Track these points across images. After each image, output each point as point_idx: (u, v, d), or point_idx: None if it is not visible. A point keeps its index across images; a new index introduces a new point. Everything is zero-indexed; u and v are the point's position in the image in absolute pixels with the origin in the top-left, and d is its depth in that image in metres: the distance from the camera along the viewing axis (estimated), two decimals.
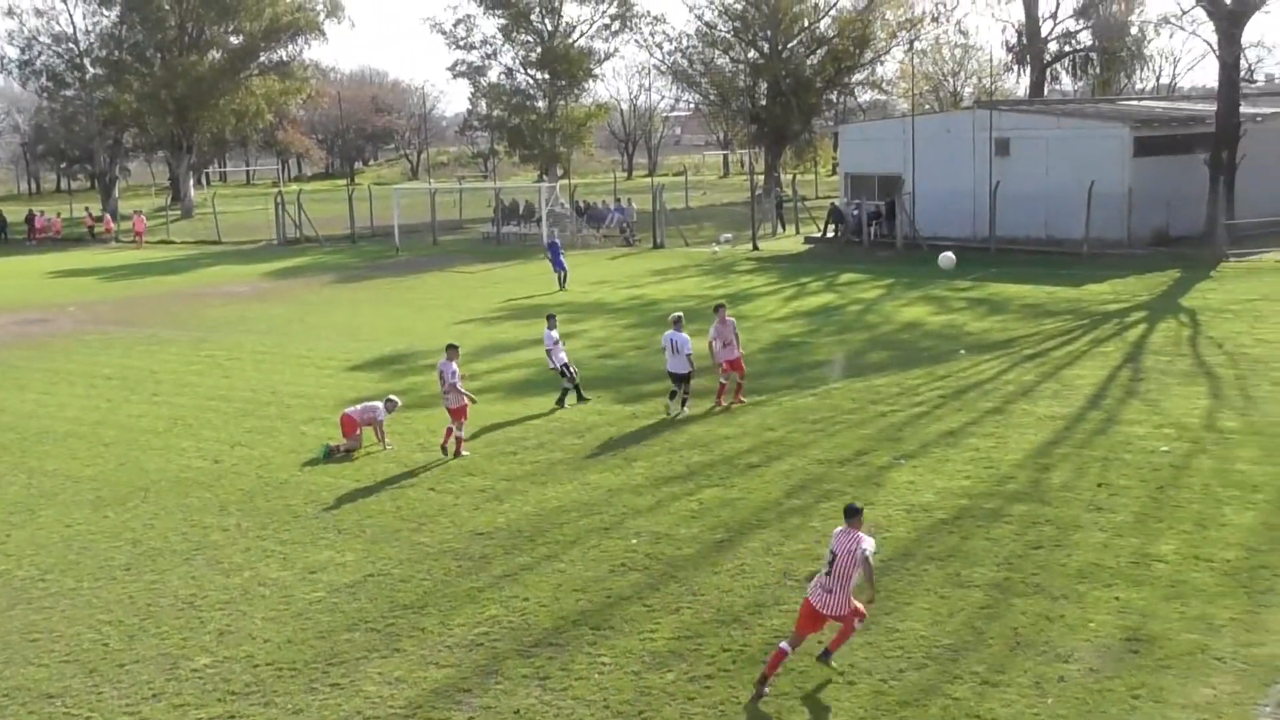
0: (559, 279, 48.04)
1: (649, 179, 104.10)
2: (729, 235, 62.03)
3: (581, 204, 72.35)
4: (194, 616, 16.89)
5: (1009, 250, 51.09)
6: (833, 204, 63.61)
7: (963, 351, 32.00)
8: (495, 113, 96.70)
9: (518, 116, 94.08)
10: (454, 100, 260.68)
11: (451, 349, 25.06)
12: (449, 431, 24.69)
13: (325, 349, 36.70)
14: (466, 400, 24.70)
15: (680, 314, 27.98)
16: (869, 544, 13.88)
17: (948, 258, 16.82)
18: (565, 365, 28.23)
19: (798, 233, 65.16)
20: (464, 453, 24.33)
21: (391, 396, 26.07)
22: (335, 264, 61.33)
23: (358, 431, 24.98)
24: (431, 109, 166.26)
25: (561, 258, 48.62)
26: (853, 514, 14.22)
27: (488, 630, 15.86)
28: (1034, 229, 52.52)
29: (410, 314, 43.27)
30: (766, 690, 13.74)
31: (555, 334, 28.23)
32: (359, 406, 25.57)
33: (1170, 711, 13.01)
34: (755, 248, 58.79)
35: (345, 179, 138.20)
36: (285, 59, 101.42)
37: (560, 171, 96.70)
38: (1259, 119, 54.11)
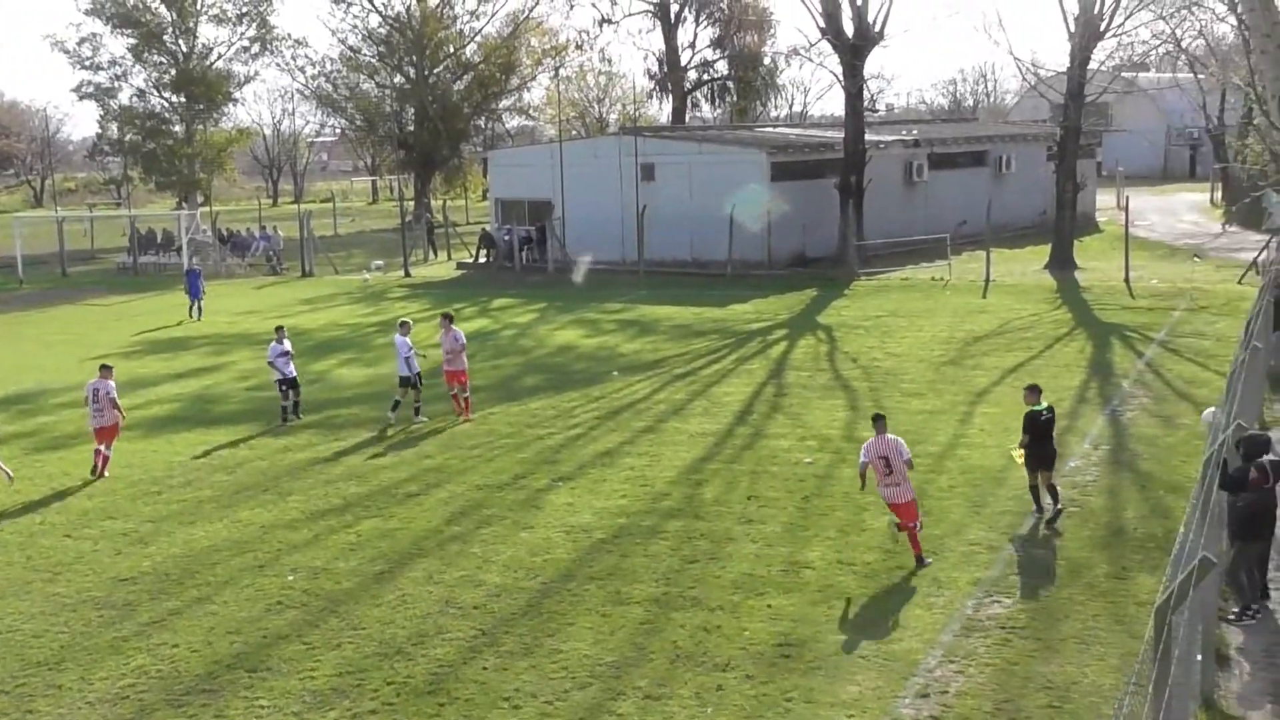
0: (192, 308, 46.92)
1: (295, 206, 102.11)
2: (380, 262, 61.41)
3: (225, 232, 70.21)
4: None
5: (657, 272, 52.38)
6: (484, 229, 63.92)
7: (616, 373, 32.61)
8: (128, 136, 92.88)
9: (153, 140, 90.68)
10: (81, 123, 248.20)
11: (106, 369, 25.01)
12: (98, 454, 24.18)
13: None
14: (119, 418, 24.47)
15: (408, 320, 29.41)
16: (905, 444, 18.05)
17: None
18: (293, 380, 28.47)
19: (450, 259, 65.08)
20: (105, 474, 24.08)
21: None
22: None
23: None
24: (56, 132, 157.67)
25: (200, 285, 47.41)
26: (879, 420, 18.44)
27: (134, 682, 15.11)
28: (680, 251, 54.00)
29: (37, 350, 40.85)
30: (927, 561, 17.77)
31: (286, 344, 28.46)
32: None
33: (821, 711, 13.56)
34: (407, 274, 58.39)
35: None
36: None
37: (201, 198, 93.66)
38: (882, 145, 57.30)
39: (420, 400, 28.05)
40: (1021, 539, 18.67)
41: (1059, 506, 19.69)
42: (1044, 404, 19.70)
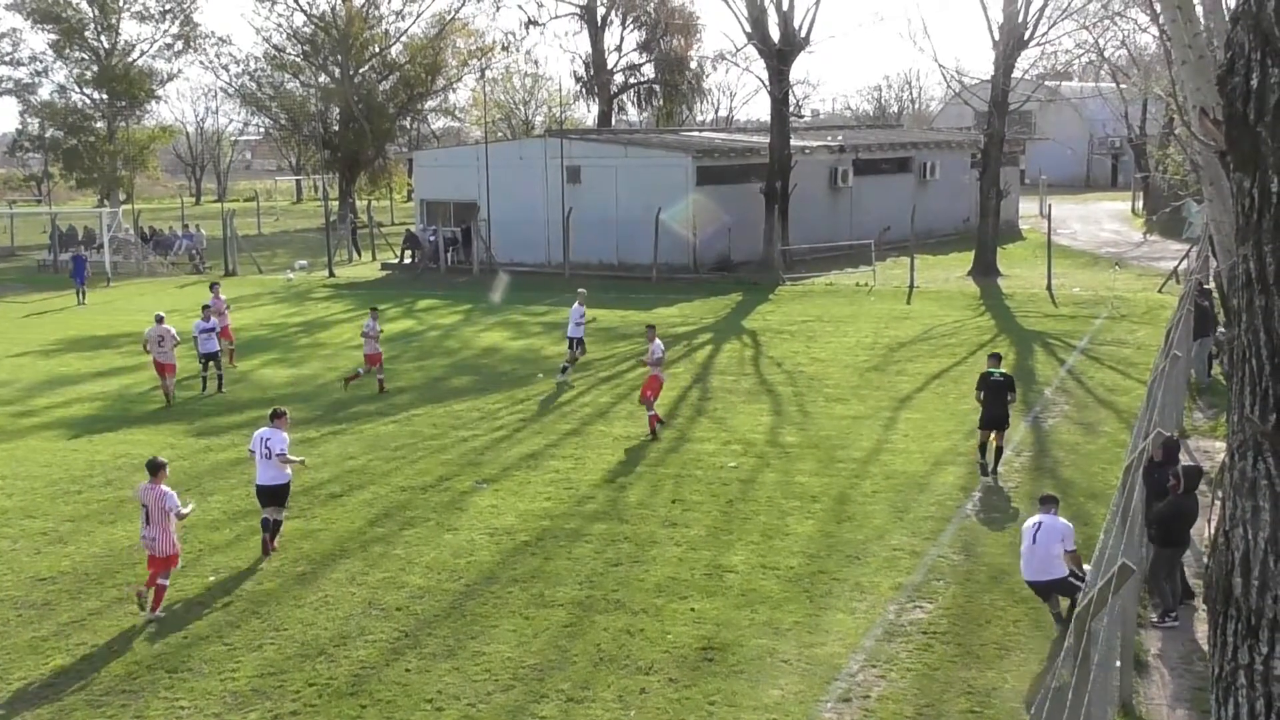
0: (79, 294, 49.93)
1: (219, 204, 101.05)
2: (304, 262, 60.97)
3: (147, 230, 69.38)
4: None
5: (583, 275, 52.30)
6: (408, 230, 63.62)
7: (541, 375, 32.55)
8: (49, 133, 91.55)
9: (74, 137, 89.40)
10: (1, 119, 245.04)
11: (160, 317, 30.69)
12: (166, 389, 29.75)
13: None
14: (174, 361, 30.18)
15: (583, 290, 34.08)
16: (661, 346, 26.16)
17: None
18: (214, 354, 31.13)
19: (374, 259, 64.75)
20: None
21: None
22: None
23: None
24: None
25: (85, 270, 50.83)
26: (651, 328, 27.24)
27: (52, 682, 14.89)
28: (606, 254, 54.07)
29: None
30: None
31: (213, 322, 31.41)
32: None
33: (743, 714, 13.61)
34: (331, 274, 58.00)
35: None
36: None
37: (123, 196, 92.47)
38: (807, 151, 57.66)
39: (572, 363, 31.94)
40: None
41: (998, 469, 22.10)
42: (999, 369, 22.15)
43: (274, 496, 19.16)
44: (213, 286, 35.22)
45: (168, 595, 17.07)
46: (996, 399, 21.73)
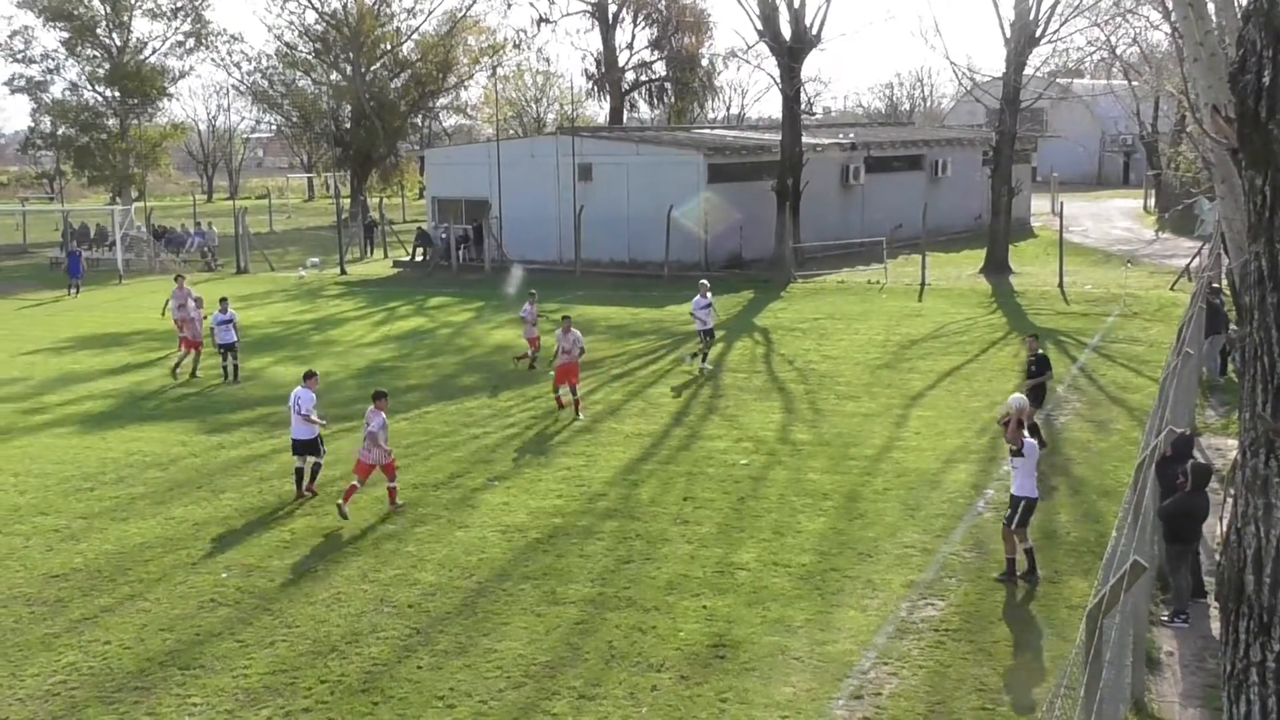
0: (71, 286, 52.00)
1: (230, 202, 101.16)
2: (316, 259, 61.02)
3: (159, 228, 69.46)
4: None
5: (594, 273, 52.37)
6: (420, 228, 63.67)
7: (552, 373, 32.49)
8: (61, 130, 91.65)
9: (86, 135, 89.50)
10: (13, 117, 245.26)
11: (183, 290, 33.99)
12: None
13: None
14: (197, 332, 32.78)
15: (705, 282, 33.84)
16: (582, 337, 27.49)
17: None
18: (231, 345, 32.18)
19: (386, 256, 64.80)
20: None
21: None
22: None
23: None
24: None
25: (80, 266, 53.30)
26: (566, 319, 28.08)
27: (65, 678, 14.94)
28: (617, 252, 54.05)
29: None
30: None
31: (230, 314, 32.29)
32: None
33: (755, 712, 13.62)
34: (343, 272, 58.05)
35: None
36: None
37: (135, 193, 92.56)
38: (819, 148, 57.56)
39: (704, 350, 32.47)
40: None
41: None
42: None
43: (307, 448, 21.80)
44: (178, 278, 36.65)
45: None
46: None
